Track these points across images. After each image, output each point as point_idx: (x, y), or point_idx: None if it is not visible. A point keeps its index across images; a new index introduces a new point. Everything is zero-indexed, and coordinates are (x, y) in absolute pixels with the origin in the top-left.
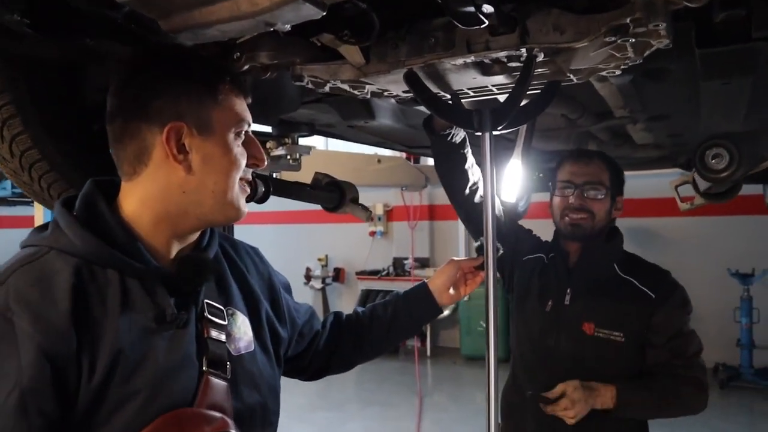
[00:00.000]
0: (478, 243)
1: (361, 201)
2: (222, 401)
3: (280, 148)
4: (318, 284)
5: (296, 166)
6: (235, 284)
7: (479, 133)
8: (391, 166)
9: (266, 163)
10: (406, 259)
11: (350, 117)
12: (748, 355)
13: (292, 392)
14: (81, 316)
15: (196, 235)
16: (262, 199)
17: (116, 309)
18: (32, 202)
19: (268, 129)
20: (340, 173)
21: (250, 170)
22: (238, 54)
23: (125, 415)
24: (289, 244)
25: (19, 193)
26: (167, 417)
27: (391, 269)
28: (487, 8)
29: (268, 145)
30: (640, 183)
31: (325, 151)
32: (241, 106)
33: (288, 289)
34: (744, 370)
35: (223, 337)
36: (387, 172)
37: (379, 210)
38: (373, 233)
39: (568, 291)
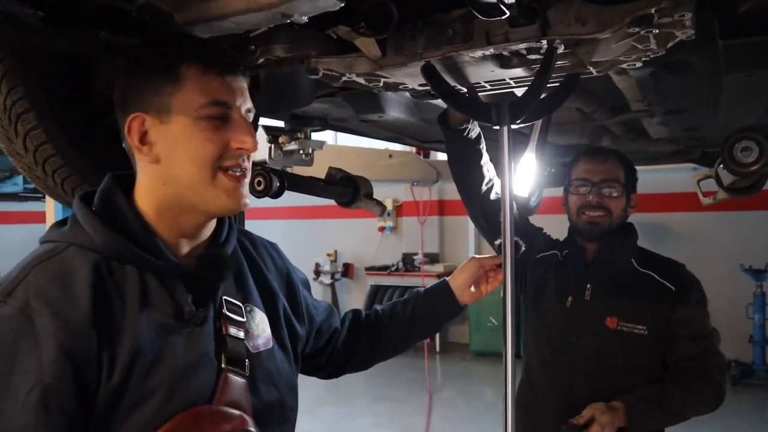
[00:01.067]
0: (499, 240)
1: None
2: (240, 399)
3: (293, 142)
4: (327, 280)
5: (309, 161)
6: (253, 280)
7: (497, 127)
8: (402, 161)
9: (255, 147)
10: (416, 254)
11: (364, 111)
12: (760, 351)
13: (301, 387)
14: (101, 314)
15: (209, 230)
16: (277, 194)
17: (135, 306)
18: (43, 197)
19: (280, 124)
20: (350, 168)
21: (242, 156)
22: (253, 47)
23: (144, 413)
24: (298, 240)
25: (31, 188)
26: (185, 415)
27: (401, 265)
28: None
29: (281, 139)
30: (652, 178)
31: (336, 145)
32: (210, 84)
33: (307, 285)
34: (757, 366)
35: (241, 334)
36: (398, 167)
37: (388, 205)
38: (382, 228)
39: (588, 286)
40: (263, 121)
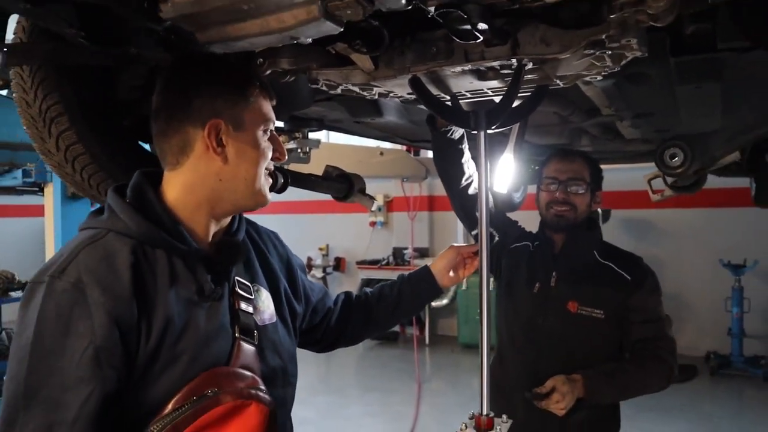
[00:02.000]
0: (476, 231)
1: None
2: (252, 363)
3: (292, 141)
4: (319, 273)
5: (306, 159)
6: (259, 264)
7: (475, 132)
8: (392, 159)
9: (285, 157)
10: (406, 249)
11: (359, 115)
12: (738, 343)
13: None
14: (139, 289)
15: (229, 219)
16: (281, 190)
17: (165, 283)
18: (41, 191)
19: (280, 124)
20: (344, 165)
21: (272, 163)
22: (261, 60)
23: (173, 373)
24: (291, 234)
25: (30, 182)
26: (207, 374)
27: (391, 259)
28: (482, 26)
29: (281, 138)
30: (634, 175)
31: (331, 144)
32: (268, 107)
33: (303, 269)
34: (734, 358)
35: (251, 309)
36: (389, 164)
37: (379, 201)
38: (373, 223)
39: (554, 275)
40: None
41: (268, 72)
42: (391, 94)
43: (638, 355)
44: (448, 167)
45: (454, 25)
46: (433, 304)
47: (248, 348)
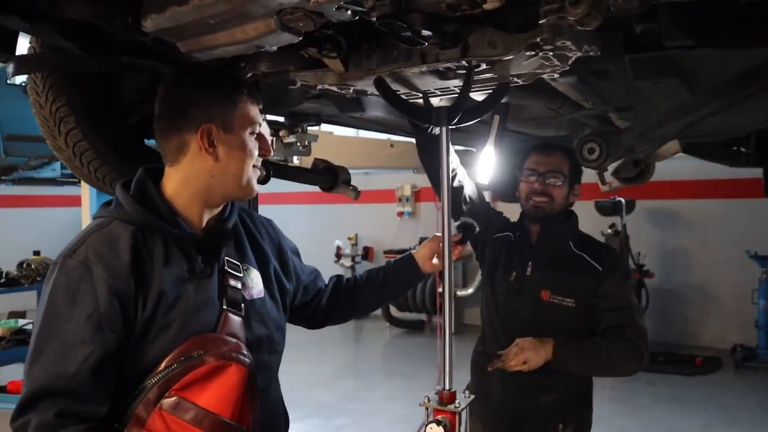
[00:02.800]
0: (459, 222)
1: (389, 182)
2: (237, 331)
3: (291, 136)
4: (348, 262)
5: (306, 152)
6: (250, 247)
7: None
8: (402, 151)
9: (272, 153)
10: None
11: (346, 110)
12: (765, 336)
13: (319, 362)
14: (137, 267)
15: (221, 207)
16: (263, 182)
17: (161, 263)
18: (79, 182)
19: (281, 119)
20: (354, 157)
21: (260, 158)
22: (243, 64)
23: (165, 337)
24: (320, 224)
25: (68, 174)
26: (195, 339)
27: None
28: (426, 32)
29: (281, 133)
30: (662, 165)
31: (341, 136)
32: (255, 111)
33: (296, 252)
34: (761, 350)
35: (239, 285)
36: (398, 155)
37: (407, 191)
38: (401, 213)
39: (530, 264)
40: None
41: (250, 74)
42: (369, 92)
43: (609, 337)
44: (431, 161)
45: (398, 32)
46: (459, 293)
47: (234, 318)
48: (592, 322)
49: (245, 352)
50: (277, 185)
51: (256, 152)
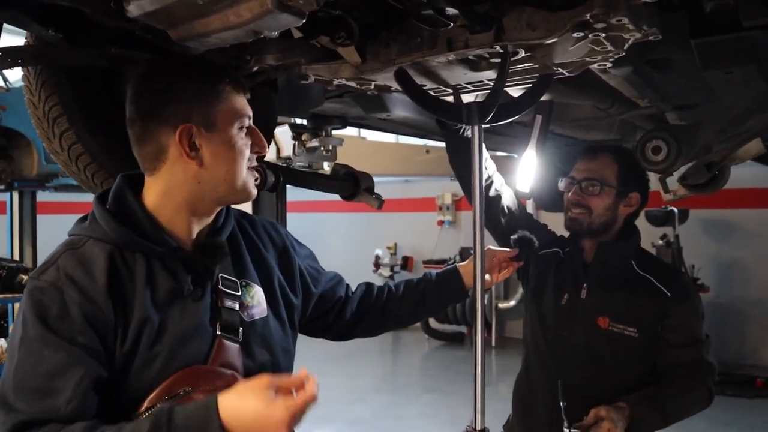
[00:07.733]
0: (516, 235)
1: (429, 190)
2: (233, 360)
3: (315, 140)
4: (386, 272)
5: (330, 157)
6: (250, 258)
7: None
8: (438, 156)
9: (267, 150)
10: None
11: (370, 111)
12: None
13: (355, 375)
14: (115, 292)
15: (214, 215)
16: (273, 188)
17: (143, 285)
18: None
19: (303, 122)
20: (388, 163)
21: (255, 156)
22: (249, 57)
23: (150, 373)
24: (359, 232)
25: None
26: (182, 373)
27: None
28: (451, 10)
29: (304, 137)
30: None
31: (375, 141)
32: (242, 102)
33: (310, 257)
34: None
35: (236, 306)
36: (435, 162)
37: (447, 199)
38: (441, 222)
39: (584, 285)
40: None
41: (256, 68)
42: (392, 88)
43: (679, 381)
44: (463, 167)
45: (418, 10)
46: (500, 305)
47: (230, 345)
48: (654, 354)
49: None
50: (312, 192)
51: (248, 150)
